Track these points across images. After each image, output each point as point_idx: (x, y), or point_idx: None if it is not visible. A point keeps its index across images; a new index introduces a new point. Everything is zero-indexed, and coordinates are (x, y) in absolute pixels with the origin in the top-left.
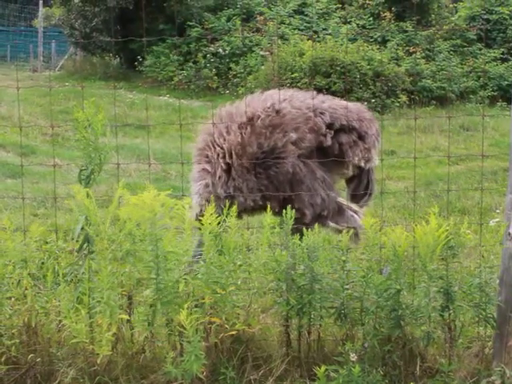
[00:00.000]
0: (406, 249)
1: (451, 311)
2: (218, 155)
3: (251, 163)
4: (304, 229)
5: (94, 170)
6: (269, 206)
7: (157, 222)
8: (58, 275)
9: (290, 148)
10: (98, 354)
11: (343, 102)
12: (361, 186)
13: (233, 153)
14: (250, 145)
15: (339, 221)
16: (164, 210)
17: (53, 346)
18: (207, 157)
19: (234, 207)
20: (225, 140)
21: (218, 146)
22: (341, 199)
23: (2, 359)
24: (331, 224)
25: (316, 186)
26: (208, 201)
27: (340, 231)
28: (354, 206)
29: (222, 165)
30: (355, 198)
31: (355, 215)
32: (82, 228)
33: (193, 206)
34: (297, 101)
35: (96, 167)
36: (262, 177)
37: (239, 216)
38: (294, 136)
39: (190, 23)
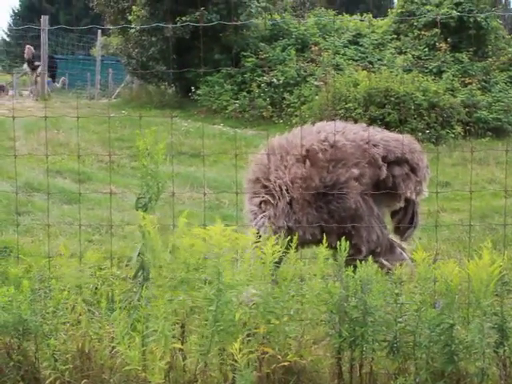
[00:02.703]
0: (460, 283)
1: (506, 347)
2: (281, 187)
3: (312, 197)
4: (358, 261)
5: (151, 199)
6: (326, 239)
7: (222, 256)
8: (113, 301)
9: (352, 184)
10: (150, 381)
11: (394, 134)
12: (406, 218)
13: (294, 186)
14: (313, 178)
15: (390, 258)
16: (230, 246)
17: (105, 372)
18: (266, 187)
19: (295, 238)
20: (284, 172)
21: (278, 178)
22: (391, 237)
23: None
24: (383, 261)
25: (373, 223)
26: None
27: (389, 269)
28: (401, 243)
29: (286, 197)
30: (399, 230)
31: (404, 253)
32: (138, 255)
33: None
34: (350, 133)
35: (154, 196)
36: (322, 211)
37: (296, 249)
38: (355, 172)
39: (245, 53)
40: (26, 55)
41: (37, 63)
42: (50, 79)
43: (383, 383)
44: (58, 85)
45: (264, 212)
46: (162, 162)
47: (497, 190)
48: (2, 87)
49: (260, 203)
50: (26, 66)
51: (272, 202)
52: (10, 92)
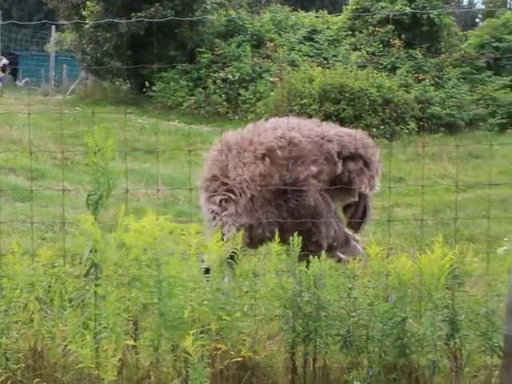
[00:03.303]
0: (413, 277)
1: (457, 340)
2: (241, 184)
3: (272, 195)
4: (311, 256)
5: (102, 196)
6: (285, 237)
7: (157, 246)
8: (65, 300)
9: (311, 181)
10: (103, 379)
11: (347, 129)
12: (358, 212)
13: (254, 183)
14: (272, 176)
15: (346, 251)
16: (164, 235)
17: (58, 370)
18: (226, 185)
19: (241, 233)
20: (243, 170)
21: (238, 175)
22: (346, 229)
23: (8, 383)
24: (339, 254)
25: (331, 219)
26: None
27: (345, 261)
28: (355, 236)
29: (248, 194)
30: (352, 224)
31: (357, 245)
32: (90, 253)
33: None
34: (305, 129)
35: (104, 192)
36: (282, 209)
37: (255, 246)
38: (314, 169)
39: (201, 49)
40: None
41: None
42: (2, 75)
43: (336, 377)
44: (21, 83)
45: (226, 210)
46: (114, 158)
47: (449, 184)
48: None
49: (220, 201)
50: None
51: (234, 199)
52: None
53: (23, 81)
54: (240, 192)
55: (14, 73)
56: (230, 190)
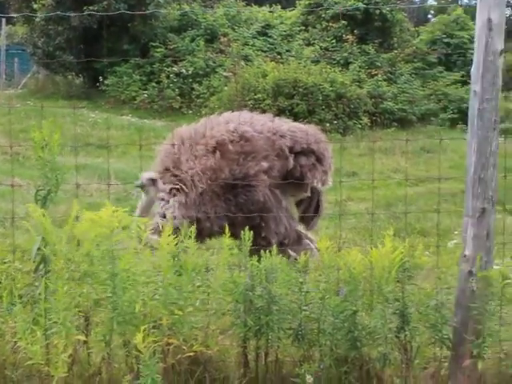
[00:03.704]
0: (364, 270)
1: (407, 332)
2: (193, 177)
3: (221, 189)
4: (262, 250)
5: (50, 191)
6: (234, 231)
7: (113, 238)
8: (15, 296)
9: (261, 177)
10: (53, 375)
11: (300, 125)
12: (311, 208)
13: (204, 176)
14: (222, 170)
15: (297, 249)
16: (121, 228)
17: (8, 367)
18: (177, 177)
19: (193, 228)
20: (195, 163)
21: (190, 168)
22: (299, 228)
23: None
24: (290, 252)
25: (281, 215)
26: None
27: (296, 259)
28: (309, 234)
29: (199, 187)
30: (305, 219)
31: (311, 244)
32: (39, 248)
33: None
34: (258, 124)
35: (53, 187)
36: (231, 203)
37: (203, 240)
38: (265, 165)
39: (154, 43)
40: None
41: None
42: None
43: (288, 371)
44: None
45: (175, 196)
46: (61, 152)
47: (401, 179)
48: None
49: (170, 190)
50: None
51: (185, 190)
52: None
53: None
54: (191, 185)
55: None
56: (181, 181)
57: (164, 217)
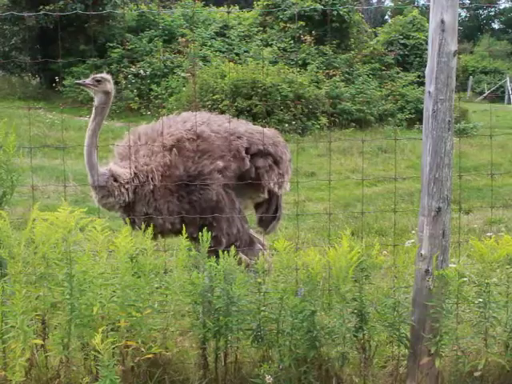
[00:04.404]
0: (322, 270)
1: (365, 331)
2: (147, 174)
3: (175, 186)
4: (220, 251)
5: (5, 193)
6: (186, 230)
7: (71, 238)
8: None
9: (215, 176)
10: (11, 380)
11: (258, 127)
12: (270, 210)
13: (157, 173)
14: (177, 167)
15: (249, 253)
16: (78, 229)
17: None
18: (135, 167)
19: (150, 229)
20: (151, 159)
21: (145, 164)
22: (252, 231)
23: None
24: (242, 256)
25: (234, 216)
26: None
27: (248, 264)
28: (262, 240)
29: (151, 186)
30: (263, 222)
31: (263, 250)
32: None
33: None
34: (215, 124)
35: (8, 189)
36: (184, 201)
37: (155, 237)
38: (220, 164)
39: (111, 44)
40: None
41: None
42: None
43: (248, 371)
44: None
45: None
46: (18, 154)
47: (359, 179)
48: None
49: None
50: None
51: (140, 179)
52: None
53: None
54: (144, 180)
55: None
56: (138, 171)
57: (115, 181)
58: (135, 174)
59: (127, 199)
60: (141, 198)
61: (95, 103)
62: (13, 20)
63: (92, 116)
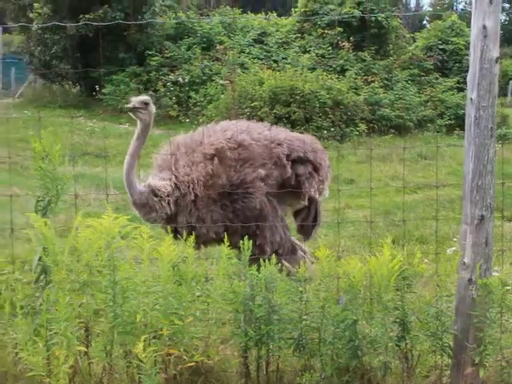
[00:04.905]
0: (363, 279)
1: (408, 341)
2: (188, 184)
3: (218, 195)
4: (261, 260)
5: (51, 201)
6: (229, 239)
7: (114, 245)
8: (15, 307)
9: (258, 184)
10: None
11: (297, 134)
12: (309, 217)
13: (200, 183)
14: (220, 176)
15: (291, 260)
16: (122, 236)
17: (9, 379)
18: (176, 177)
19: (192, 237)
20: (192, 169)
21: (186, 174)
22: (293, 238)
23: None
24: (285, 263)
25: (277, 224)
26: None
27: (290, 271)
28: (304, 246)
29: (192, 196)
30: (303, 229)
31: (305, 256)
32: (40, 258)
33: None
34: (255, 132)
35: (53, 198)
36: (227, 209)
37: (198, 247)
38: (262, 172)
39: (150, 52)
40: None
41: None
42: None
43: (290, 380)
44: None
45: (168, 194)
46: (62, 163)
47: (399, 186)
48: None
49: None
50: None
51: (181, 191)
52: None
53: None
54: (186, 190)
55: None
56: (179, 182)
57: (156, 195)
58: (176, 185)
59: (169, 212)
60: (183, 208)
61: (140, 126)
62: (53, 29)
63: (135, 137)
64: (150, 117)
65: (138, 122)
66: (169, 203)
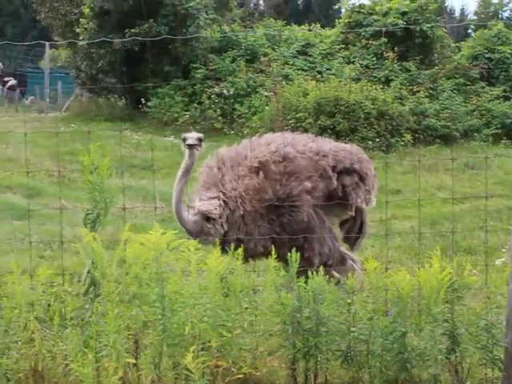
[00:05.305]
0: (412, 291)
1: (457, 353)
2: (236, 199)
3: (265, 209)
4: (309, 271)
5: (99, 214)
6: (277, 252)
7: (162, 260)
8: (65, 319)
9: (304, 197)
10: None
11: (342, 144)
12: (355, 227)
13: (247, 197)
14: (266, 191)
15: (341, 270)
16: (169, 250)
17: None
18: (223, 193)
19: (240, 250)
20: (238, 183)
21: (233, 188)
22: (342, 248)
23: None
24: (334, 273)
25: (325, 236)
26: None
27: (339, 281)
28: (352, 255)
29: (241, 211)
30: (349, 239)
31: (354, 264)
32: (89, 271)
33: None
34: (300, 144)
35: (102, 211)
36: (275, 224)
37: (246, 260)
38: (308, 185)
39: (195, 65)
40: None
41: (6, 79)
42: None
43: None
44: (27, 102)
45: (218, 214)
46: (110, 175)
47: (446, 196)
48: None
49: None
50: None
51: (230, 207)
52: None
53: (29, 99)
54: (235, 205)
55: (23, 92)
56: (227, 198)
57: (208, 220)
58: (224, 202)
59: (223, 231)
60: (232, 224)
61: (188, 162)
62: (99, 43)
63: (180, 173)
64: (200, 153)
65: (187, 158)
66: (222, 224)
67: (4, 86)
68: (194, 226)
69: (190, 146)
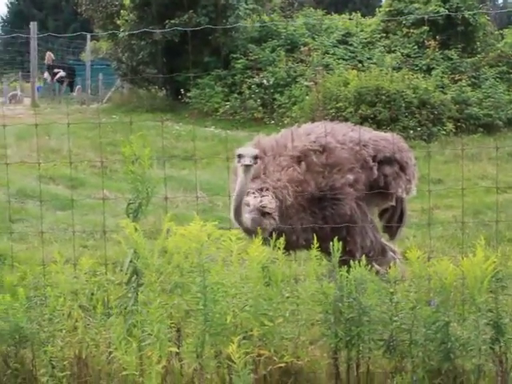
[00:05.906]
0: (455, 280)
1: (502, 344)
2: (282, 189)
3: (307, 202)
4: (351, 261)
5: (141, 204)
6: (320, 245)
7: (203, 252)
8: (108, 307)
9: (347, 190)
10: None
11: (382, 134)
12: (395, 217)
13: (291, 188)
14: (308, 183)
15: (382, 262)
16: (210, 241)
17: (103, 378)
18: (269, 185)
19: (282, 239)
20: (281, 174)
21: (278, 179)
22: (383, 240)
23: None
24: (376, 266)
25: (367, 228)
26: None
27: (380, 272)
28: (393, 246)
29: (287, 201)
30: (389, 229)
31: (395, 256)
32: (131, 261)
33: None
34: (339, 134)
35: (144, 201)
36: (317, 216)
37: (287, 253)
38: (351, 178)
39: (235, 55)
40: (46, 61)
41: (56, 70)
42: (40, 85)
43: (380, 382)
44: (75, 93)
45: (270, 208)
46: (151, 166)
47: (489, 186)
48: (15, 95)
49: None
50: (46, 73)
51: (279, 197)
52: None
53: (76, 89)
54: (281, 196)
55: (71, 84)
56: (275, 189)
57: (264, 215)
58: (275, 194)
59: (276, 224)
60: (281, 217)
61: (243, 180)
62: (140, 35)
63: (238, 191)
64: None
65: (242, 176)
66: (275, 218)
67: (54, 77)
68: (252, 223)
69: (247, 167)
